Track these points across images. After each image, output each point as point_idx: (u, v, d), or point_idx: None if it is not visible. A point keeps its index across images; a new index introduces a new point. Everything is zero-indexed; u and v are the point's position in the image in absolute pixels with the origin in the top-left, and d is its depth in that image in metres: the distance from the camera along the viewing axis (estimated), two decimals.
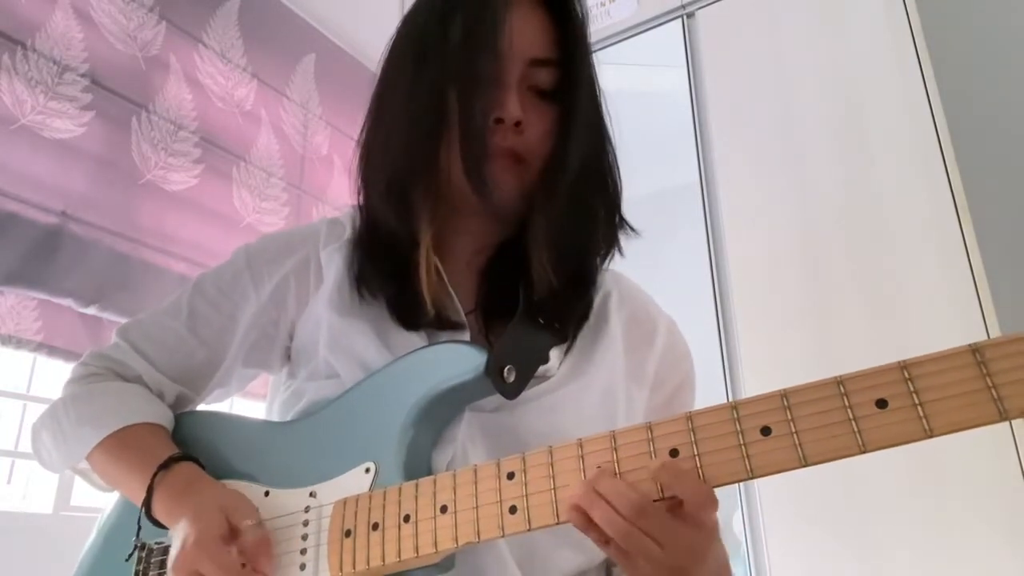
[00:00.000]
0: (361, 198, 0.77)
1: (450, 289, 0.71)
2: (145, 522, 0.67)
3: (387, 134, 0.73)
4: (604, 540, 0.50)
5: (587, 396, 0.69)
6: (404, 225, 0.71)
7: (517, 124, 0.68)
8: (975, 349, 0.41)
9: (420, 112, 0.69)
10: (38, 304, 1.74)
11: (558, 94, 0.71)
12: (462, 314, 0.70)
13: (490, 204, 0.68)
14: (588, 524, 0.50)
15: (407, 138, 0.70)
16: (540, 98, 0.71)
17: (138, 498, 0.67)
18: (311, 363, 0.74)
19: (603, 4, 2.04)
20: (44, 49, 1.80)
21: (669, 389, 0.76)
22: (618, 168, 0.76)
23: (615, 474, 0.50)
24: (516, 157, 0.70)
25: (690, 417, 0.49)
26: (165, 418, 0.74)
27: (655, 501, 0.49)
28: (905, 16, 1.59)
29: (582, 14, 0.72)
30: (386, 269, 0.73)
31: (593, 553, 0.69)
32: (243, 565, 0.59)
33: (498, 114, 0.67)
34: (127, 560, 0.69)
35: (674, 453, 0.48)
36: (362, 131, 0.77)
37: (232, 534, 0.61)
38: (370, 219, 0.76)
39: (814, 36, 1.72)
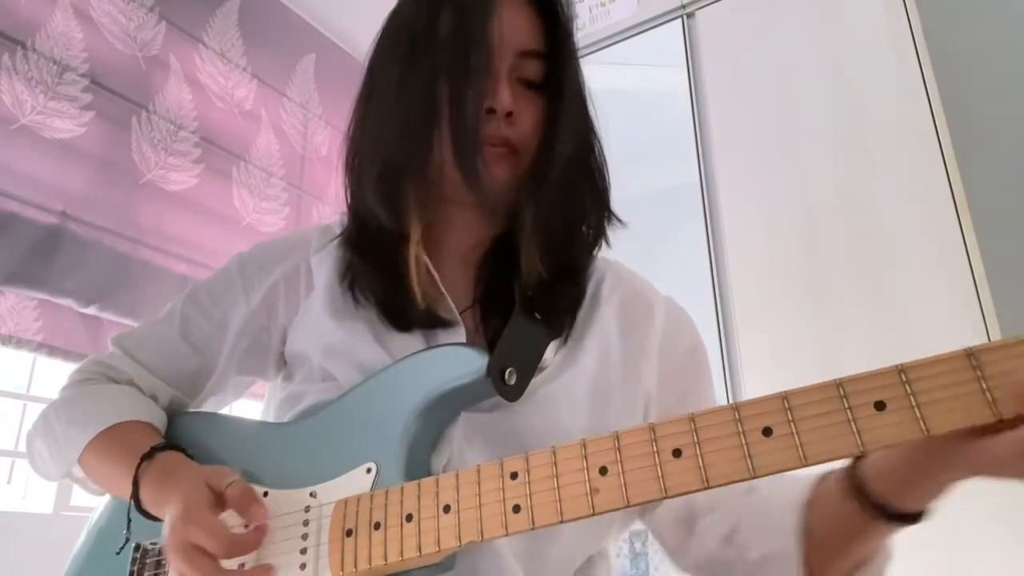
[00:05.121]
0: (350, 193, 0.77)
1: (440, 287, 0.71)
2: (137, 516, 0.66)
3: (378, 127, 0.73)
4: None
5: (579, 382, 0.69)
6: (394, 219, 0.71)
7: (509, 115, 0.69)
8: (970, 353, 0.43)
9: (412, 104, 0.69)
10: (38, 304, 1.74)
11: (545, 86, 0.72)
12: (455, 312, 0.70)
13: (481, 195, 0.69)
14: None
15: (399, 130, 0.70)
16: (528, 89, 0.72)
17: (127, 493, 0.67)
18: (305, 367, 0.74)
19: (603, 4, 2.04)
20: (44, 49, 1.80)
21: (680, 354, 0.75)
22: (606, 161, 0.76)
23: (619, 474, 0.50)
24: (510, 147, 0.70)
25: (692, 418, 0.49)
26: (156, 416, 0.74)
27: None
28: (905, 16, 1.60)
29: (567, 9, 0.73)
30: (376, 266, 0.73)
31: (591, 545, 0.69)
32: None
33: (490, 104, 0.68)
34: (118, 554, 0.69)
35: (677, 453, 0.49)
36: (350, 127, 0.77)
37: (219, 502, 0.61)
38: (359, 215, 0.76)
39: (814, 36, 1.73)
